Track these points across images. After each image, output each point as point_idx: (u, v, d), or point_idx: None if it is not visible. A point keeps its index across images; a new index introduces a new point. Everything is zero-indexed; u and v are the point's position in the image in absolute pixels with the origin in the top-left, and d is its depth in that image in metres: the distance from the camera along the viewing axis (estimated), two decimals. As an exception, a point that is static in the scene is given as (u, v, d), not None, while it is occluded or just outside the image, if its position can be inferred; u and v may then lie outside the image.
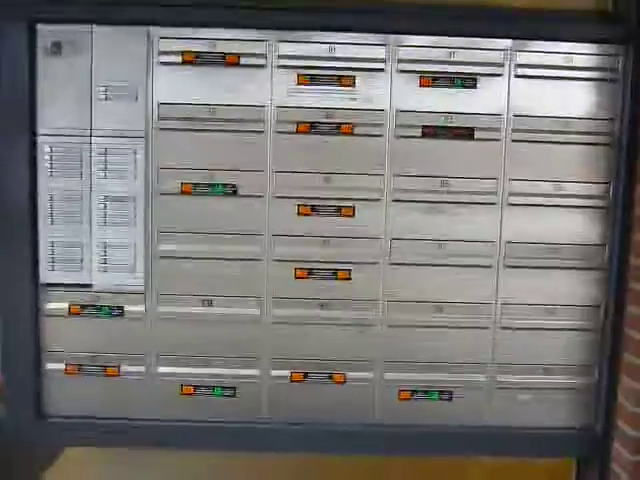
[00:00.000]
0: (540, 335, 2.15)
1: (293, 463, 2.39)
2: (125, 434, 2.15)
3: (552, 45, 2.05)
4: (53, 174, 2.07)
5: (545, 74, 2.05)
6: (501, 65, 2.05)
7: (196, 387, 2.15)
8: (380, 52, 2.03)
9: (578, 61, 2.06)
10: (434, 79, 2.05)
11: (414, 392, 2.17)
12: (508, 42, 2.04)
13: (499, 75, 2.05)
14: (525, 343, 2.16)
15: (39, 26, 2.02)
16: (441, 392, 2.17)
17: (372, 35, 2.03)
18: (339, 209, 2.09)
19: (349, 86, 2.05)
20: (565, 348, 2.17)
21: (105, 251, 2.10)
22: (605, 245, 2.12)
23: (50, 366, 2.14)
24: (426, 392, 2.17)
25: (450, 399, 2.17)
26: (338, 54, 2.03)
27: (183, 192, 2.07)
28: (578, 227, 2.12)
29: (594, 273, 2.14)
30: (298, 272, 2.10)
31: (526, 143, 2.08)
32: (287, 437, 2.16)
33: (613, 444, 2.13)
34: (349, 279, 2.11)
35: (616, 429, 2.12)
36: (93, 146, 2.06)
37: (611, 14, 2.09)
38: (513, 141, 2.07)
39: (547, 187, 2.10)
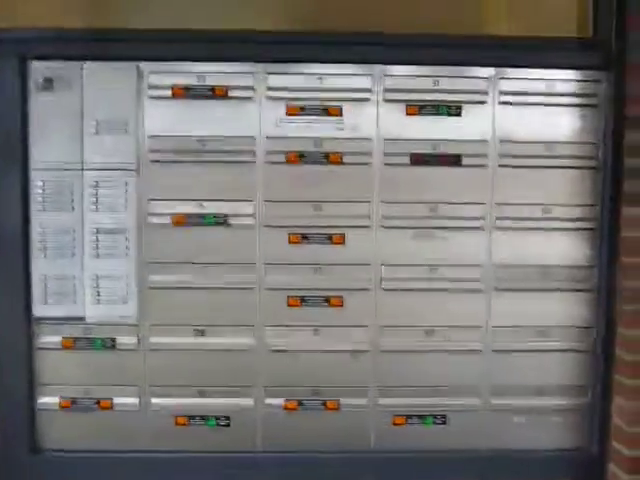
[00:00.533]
0: (532, 357, 2.17)
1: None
2: (120, 467, 2.13)
3: (535, 72, 2.09)
4: (45, 208, 2.09)
5: (529, 101, 2.10)
6: (485, 93, 2.09)
7: (190, 417, 2.15)
8: (366, 82, 2.07)
9: (560, 87, 2.10)
10: (420, 107, 2.09)
11: (408, 417, 2.17)
12: (492, 70, 2.09)
13: (484, 102, 2.09)
14: (518, 365, 2.17)
15: (31, 63, 2.05)
16: (435, 416, 2.17)
17: (358, 65, 2.07)
18: (330, 237, 2.11)
19: (337, 116, 2.08)
20: (558, 370, 2.19)
21: (97, 283, 2.11)
22: (594, 267, 2.15)
23: (44, 400, 2.14)
24: (420, 417, 2.17)
25: (444, 423, 2.18)
26: (325, 85, 2.07)
27: (175, 223, 2.09)
28: (567, 249, 2.15)
29: (584, 295, 2.16)
30: (290, 300, 2.12)
31: (512, 168, 2.11)
32: (282, 466, 2.15)
33: (608, 464, 2.13)
34: (341, 306, 2.13)
35: (611, 449, 2.12)
36: (84, 179, 2.08)
37: (591, 41, 2.14)
38: (500, 166, 2.11)
39: (535, 210, 2.13)
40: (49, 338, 2.12)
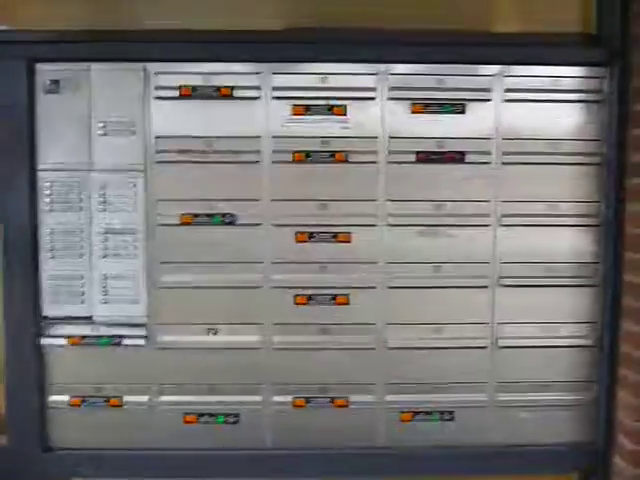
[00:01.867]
0: (538, 353, 2.18)
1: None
2: (130, 464, 2.16)
3: (539, 69, 2.10)
4: (54, 208, 2.11)
5: (533, 97, 2.11)
6: (490, 90, 2.10)
7: (199, 415, 2.17)
8: (371, 81, 2.08)
9: (565, 84, 2.11)
10: (425, 105, 2.10)
11: (416, 413, 2.19)
12: (496, 67, 2.09)
13: (488, 100, 2.10)
14: (524, 361, 2.19)
15: (38, 65, 2.06)
16: (442, 412, 2.19)
17: (363, 64, 2.08)
18: (336, 235, 2.12)
19: (342, 115, 2.09)
20: (564, 365, 2.20)
21: (106, 283, 2.12)
22: (599, 262, 2.16)
23: (54, 398, 2.16)
24: (428, 413, 2.19)
25: (451, 419, 2.19)
26: (330, 84, 2.08)
27: (182, 223, 2.10)
28: (572, 245, 2.16)
29: (589, 290, 2.18)
30: (298, 298, 2.13)
31: (517, 165, 2.12)
32: (291, 463, 2.17)
33: (614, 458, 2.15)
34: (348, 304, 2.14)
35: (616, 443, 2.14)
36: (92, 180, 2.10)
37: (595, 37, 2.14)
38: (504, 163, 2.12)
39: (539, 207, 2.14)
40: (59, 337, 2.13)
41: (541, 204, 2.13)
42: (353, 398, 2.18)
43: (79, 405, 2.16)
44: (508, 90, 2.10)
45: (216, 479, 2.18)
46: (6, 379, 2.14)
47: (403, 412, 2.19)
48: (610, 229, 2.12)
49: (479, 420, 2.20)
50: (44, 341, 2.13)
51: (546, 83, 2.10)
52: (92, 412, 2.16)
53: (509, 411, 2.20)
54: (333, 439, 2.18)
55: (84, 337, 2.14)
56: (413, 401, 2.18)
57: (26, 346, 2.12)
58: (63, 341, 2.14)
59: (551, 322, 2.17)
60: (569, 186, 2.14)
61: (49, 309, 2.13)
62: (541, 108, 2.12)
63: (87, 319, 2.14)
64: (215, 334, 2.13)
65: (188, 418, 2.17)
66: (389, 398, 2.18)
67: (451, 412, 2.19)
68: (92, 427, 2.18)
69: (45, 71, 2.06)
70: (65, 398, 2.16)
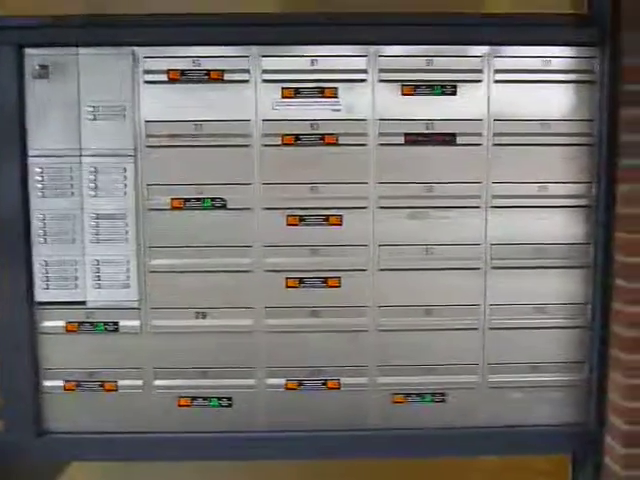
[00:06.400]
0: (530, 334, 2.18)
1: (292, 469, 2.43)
2: (125, 448, 2.18)
3: (529, 49, 2.09)
4: (45, 194, 2.11)
5: (524, 78, 2.09)
6: (480, 71, 2.09)
7: (193, 398, 2.18)
8: (361, 63, 2.07)
9: (556, 64, 2.09)
10: (415, 87, 2.09)
11: (408, 395, 2.20)
12: (486, 48, 2.08)
13: (479, 81, 2.09)
14: (515, 342, 2.19)
15: (27, 50, 2.05)
16: (434, 394, 2.20)
17: (353, 46, 2.07)
18: (327, 218, 2.12)
19: (332, 97, 2.09)
20: (555, 346, 2.20)
21: (98, 268, 2.13)
22: (590, 243, 2.16)
23: (48, 383, 2.17)
24: (419, 395, 2.20)
25: (443, 401, 2.20)
26: (320, 66, 2.07)
27: (173, 207, 2.10)
28: (563, 227, 2.16)
29: (580, 271, 2.17)
30: (289, 281, 2.14)
31: (508, 146, 2.11)
32: (284, 445, 2.18)
33: (605, 439, 2.16)
34: (339, 286, 2.15)
35: (608, 424, 2.15)
36: (83, 165, 2.09)
37: (586, 16, 2.12)
38: (495, 145, 2.11)
39: (530, 188, 2.13)
40: (52, 323, 2.15)
41: (532, 185, 2.13)
42: (345, 380, 2.19)
43: (74, 390, 2.17)
44: (498, 71, 2.08)
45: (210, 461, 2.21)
46: (0, 365, 2.15)
47: (395, 394, 2.20)
48: (601, 210, 2.12)
49: (471, 401, 2.21)
50: (38, 326, 2.14)
51: (537, 63, 2.09)
52: (87, 397, 2.18)
53: (501, 392, 2.21)
54: (326, 421, 2.19)
55: (80, 324, 2.14)
56: (405, 383, 2.19)
57: (20, 332, 2.12)
58: (57, 326, 2.14)
59: (542, 303, 2.17)
60: (560, 167, 2.13)
61: (42, 294, 2.14)
62: (532, 89, 2.10)
63: (80, 304, 2.14)
64: (204, 318, 2.14)
65: (182, 402, 2.18)
66: (381, 380, 2.19)
67: (443, 394, 2.20)
68: (87, 411, 2.19)
69: (34, 56, 2.05)
70: (60, 383, 2.17)
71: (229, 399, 2.19)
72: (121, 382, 2.18)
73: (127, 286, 2.13)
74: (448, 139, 2.10)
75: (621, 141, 2.06)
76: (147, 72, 2.06)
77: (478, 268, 2.15)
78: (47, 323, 2.15)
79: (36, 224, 2.11)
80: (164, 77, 2.06)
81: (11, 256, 2.11)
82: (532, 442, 2.23)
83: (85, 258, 2.13)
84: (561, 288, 2.17)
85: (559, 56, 2.10)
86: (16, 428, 2.15)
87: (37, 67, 2.05)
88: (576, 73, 2.10)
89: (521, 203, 2.13)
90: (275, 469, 2.40)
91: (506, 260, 2.15)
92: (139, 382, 2.18)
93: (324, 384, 2.18)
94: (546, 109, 2.11)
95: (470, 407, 2.21)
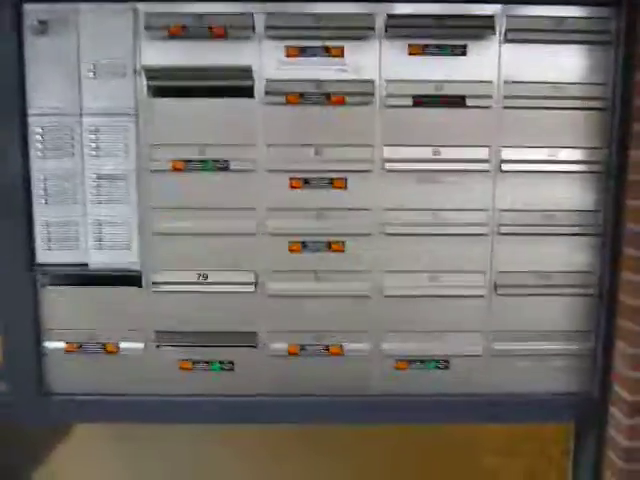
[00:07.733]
0: (536, 302, 2.15)
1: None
2: (126, 410, 2.18)
3: (542, 9, 2.02)
4: (45, 155, 2.07)
5: (536, 38, 2.02)
6: (491, 31, 2.02)
7: (194, 362, 2.17)
8: (368, 21, 2.01)
9: (569, 24, 2.02)
10: (424, 47, 2.03)
11: (411, 362, 2.18)
12: (497, 7, 2.01)
13: (489, 41, 2.03)
14: (521, 310, 2.16)
15: (25, 5, 2.00)
16: (438, 361, 2.18)
17: (359, 4, 2.01)
18: (331, 181, 2.08)
19: (338, 57, 2.03)
20: (562, 314, 2.17)
21: (100, 229, 2.11)
22: (600, 211, 2.12)
23: (50, 345, 2.17)
24: (423, 361, 2.18)
25: (447, 367, 2.19)
26: (326, 24, 2.01)
27: (174, 169, 2.07)
28: (572, 193, 2.11)
29: (589, 239, 2.13)
30: (292, 245, 2.11)
31: (518, 110, 2.06)
32: (285, 410, 2.18)
33: (610, 408, 2.14)
34: (343, 251, 2.12)
35: (612, 393, 2.13)
36: (84, 125, 2.05)
37: (603, -25, 2.05)
38: (505, 108, 2.05)
39: (540, 153, 2.08)
40: (53, 284, 2.13)
41: (543, 150, 2.08)
42: (348, 346, 2.17)
43: (75, 351, 2.17)
44: (510, 30, 2.01)
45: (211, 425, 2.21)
46: (2, 326, 2.14)
47: (398, 360, 2.18)
48: (612, 177, 2.07)
49: (475, 369, 2.19)
50: (39, 288, 2.13)
51: (550, 24, 2.02)
52: (89, 358, 2.17)
53: (505, 360, 2.19)
54: (328, 387, 2.18)
55: (81, 286, 2.13)
56: (408, 349, 2.17)
57: (21, 293, 2.11)
58: (59, 288, 2.13)
59: (550, 271, 2.14)
60: (572, 132, 2.08)
61: (43, 256, 2.12)
62: (544, 50, 2.04)
63: (82, 265, 2.13)
64: (206, 279, 2.12)
65: (183, 365, 2.18)
66: (384, 346, 2.17)
67: (447, 361, 2.18)
68: (89, 373, 2.19)
69: (33, 11, 2.00)
70: (61, 344, 2.17)
71: (231, 363, 2.18)
72: (122, 344, 2.17)
73: (129, 247, 2.10)
74: (457, 101, 2.04)
75: (636, 106, 2.00)
76: (148, 28, 2.00)
77: (486, 234, 2.11)
78: (48, 284, 2.13)
79: (37, 185, 2.08)
80: (165, 33, 2.00)
81: (12, 217, 2.08)
82: (536, 411, 2.22)
83: (87, 219, 2.10)
84: (569, 256, 2.13)
85: (573, 16, 2.02)
86: (18, 388, 2.16)
87: (36, 22, 2.00)
88: (590, 34, 2.03)
89: (531, 168, 2.08)
90: (277, 435, 2.42)
91: (514, 226, 2.11)
92: (140, 345, 2.17)
93: (326, 349, 2.17)
94: (559, 71, 2.05)
95: (474, 374, 2.19)
